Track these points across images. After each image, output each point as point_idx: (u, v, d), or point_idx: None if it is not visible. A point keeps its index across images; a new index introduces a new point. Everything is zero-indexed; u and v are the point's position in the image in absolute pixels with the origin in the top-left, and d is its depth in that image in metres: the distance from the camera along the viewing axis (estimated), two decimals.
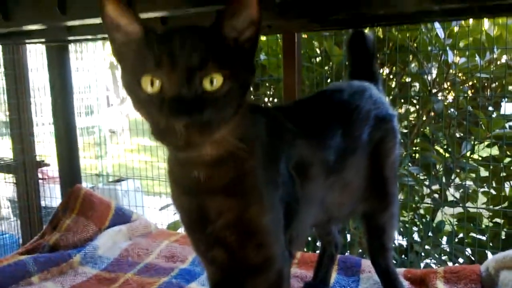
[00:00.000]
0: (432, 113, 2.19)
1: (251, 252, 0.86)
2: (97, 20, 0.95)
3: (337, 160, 0.99)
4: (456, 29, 2.03)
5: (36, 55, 3.21)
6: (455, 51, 2.03)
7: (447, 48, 1.98)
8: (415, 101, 2.26)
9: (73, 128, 1.88)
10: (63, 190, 1.93)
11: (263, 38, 2.64)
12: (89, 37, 1.43)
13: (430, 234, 2.24)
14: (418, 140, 2.24)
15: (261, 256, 0.86)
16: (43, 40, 1.59)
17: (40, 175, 2.95)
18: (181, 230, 2.56)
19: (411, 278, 1.37)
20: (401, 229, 2.25)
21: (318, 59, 2.38)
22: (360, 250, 2.25)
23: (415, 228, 2.32)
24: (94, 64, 4.14)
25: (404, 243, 2.26)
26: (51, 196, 3.43)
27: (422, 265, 2.16)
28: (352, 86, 1.13)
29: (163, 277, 1.46)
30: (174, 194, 0.88)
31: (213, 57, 0.67)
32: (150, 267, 1.54)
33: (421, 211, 2.34)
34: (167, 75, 0.66)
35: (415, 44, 2.07)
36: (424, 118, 2.21)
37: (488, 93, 2.13)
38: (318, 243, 2.09)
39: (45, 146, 3.76)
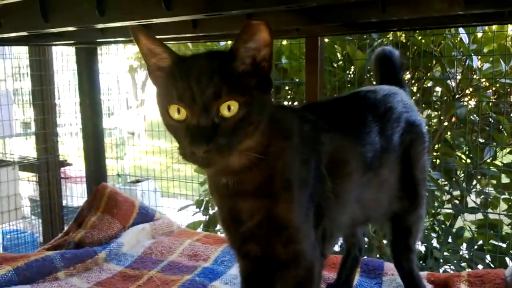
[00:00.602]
0: (454, 119, 2.19)
1: (281, 247, 0.89)
2: (134, 22, 0.99)
3: (373, 157, 1.01)
4: (480, 34, 2.03)
5: (56, 58, 3.27)
6: (479, 56, 2.03)
7: (472, 53, 1.98)
8: (437, 106, 2.26)
9: (100, 128, 1.92)
10: (89, 189, 1.97)
11: (283, 42, 2.67)
12: (121, 39, 1.46)
13: (449, 240, 2.24)
14: (440, 146, 2.23)
15: (290, 251, 0.89)
16: (74, 41, 1.63)
17: (61, 175, 3.00)
18: (200, 230, 2.59)
19: (434, 281, 1.37)
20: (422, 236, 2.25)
21: (340, 63, 2.40)
22: (378, 256, 2.25)
23: (434, 234, 2.32)
24: (115, 67, 4.22)
25: (423, 249, 2.25)
26: (72, 195, 3.49)
27: (441, 271, 2.15)
28: (384, 89, 1.15)
29: (186, 275, 1.48)
30: (212, 194, 0.94)
31: (227, 87, 0.74)
32: (173, 265, 1.56)
33: (441, 217, 2.33)
34: (189, 107, 0.74)
35: (438, 49, 2.07)
36: (446, 124, 2.21)
37: None
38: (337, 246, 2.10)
39: (67, 147, 3.83)
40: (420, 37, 2.09)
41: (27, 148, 3.41)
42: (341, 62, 2.37)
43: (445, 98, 2.21)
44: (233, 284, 1.43)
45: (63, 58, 3.51)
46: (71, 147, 3.81)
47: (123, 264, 1.59)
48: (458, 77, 2.13)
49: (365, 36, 2.20)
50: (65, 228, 2.90)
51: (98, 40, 1.62)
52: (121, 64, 4.70)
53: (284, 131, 0.88)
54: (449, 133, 2.24)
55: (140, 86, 9.30)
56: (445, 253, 2.21)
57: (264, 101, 0.80)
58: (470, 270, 1.62)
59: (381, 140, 1.03)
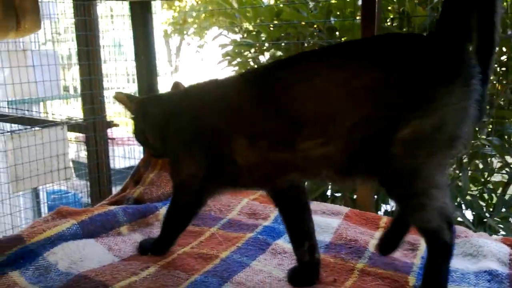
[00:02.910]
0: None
1: None
2: None
3: None
4: None
5: (101, 18, 3.25)
6: None
7: None
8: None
9: (155, 85, 1.89)
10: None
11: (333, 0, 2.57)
12: None
13: (503, 209, 2.16)
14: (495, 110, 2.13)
15: None
16: None
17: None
18: None
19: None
20: (470, 203, 2.18)
21: (395, 23, 2.30)
22: None
23: (483, 203, 2.24)
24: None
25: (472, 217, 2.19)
26: (114, 156, 3.53)
27: None
28: None
29: (248, 233, 1.46)
30: None
31: None
32: (234, 223, 1.55)
33: (490, 185, 2.25)
34: None
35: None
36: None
37: None
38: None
39: (111, 109, 3.85)
40: None
41: (71, 110, 3.45)
42: (397, 20, 2.27)
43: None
44: None
45: (108, 19, 3.50)
46: (115, 109, 3.84)
47: None
48: None
49: None
50: (113, 190, 2.95)
51: None
52: (156, 30, 4.65)
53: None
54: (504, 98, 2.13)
55: (175, 52, 9.28)
56: (496, 220, 2.14)
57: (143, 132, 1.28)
58: None
59: None
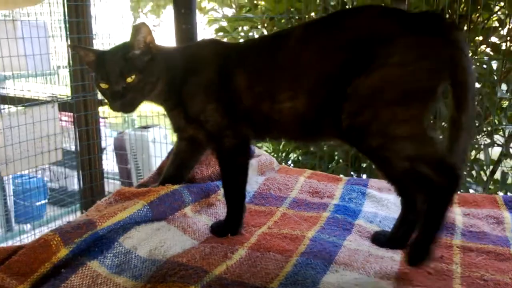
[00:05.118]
0: None
1: None
2: None
3: None
4: None
5: None
6: None
7: None
8: None
9: None
10: None
11: None
12: None
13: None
14: None
15: None
16: None
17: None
18: None
19: None
20: None
21: None
22: None
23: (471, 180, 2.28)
24: None
25: None
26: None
27: None
28: None
29: (322, 212, 1.38)
30: None
31: (127, 67, 1.15)
32: (300, 202, 1.46)
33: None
34: (106, 82, 1.16)
35: None
36: None
37: None
38: None
39: None
40: None
41: (53, 87, 3.16)
42: None
43: None
44: (378, 222, 1.34)
45: None
46: None
47: None
48: None
49: None
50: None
51: None
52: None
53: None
54: None
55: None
56: None
57: (156, 68, 1.20)
58: None
59: None
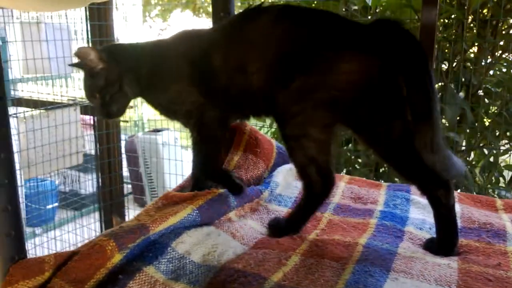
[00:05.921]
0: None
1: None
2: None
3: None
4: None
5: None
6: None
7: None
8: None
9: None
10: None
11: None
12: None
13: None
14: None
15: None
16: None
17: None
18: None
19: None
20: None
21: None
22: None
23: None
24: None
25: None
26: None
27: None
28: None
29: (369, 218, 1.35)
30: None
31: (97, 87, 1.23)
32: (344, 208, 1.43)
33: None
34: (90, 99, 1.26)
35: None
36: None
37: None
38: None
39: None
40: None
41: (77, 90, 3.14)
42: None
43: None
44: (428, 229, 1.31)
45: None
46: None
47: (285, 205, 1.44)
48: None
49: None
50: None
51: None
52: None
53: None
54: None
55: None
56: None
57: (113, 75, 1.23)
58: None
59: None
